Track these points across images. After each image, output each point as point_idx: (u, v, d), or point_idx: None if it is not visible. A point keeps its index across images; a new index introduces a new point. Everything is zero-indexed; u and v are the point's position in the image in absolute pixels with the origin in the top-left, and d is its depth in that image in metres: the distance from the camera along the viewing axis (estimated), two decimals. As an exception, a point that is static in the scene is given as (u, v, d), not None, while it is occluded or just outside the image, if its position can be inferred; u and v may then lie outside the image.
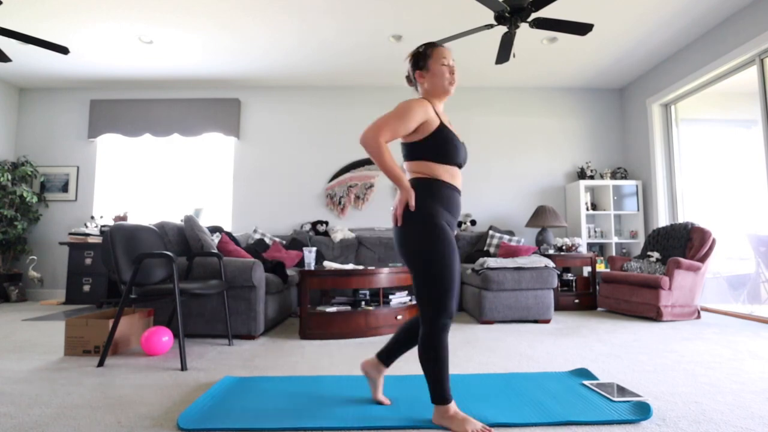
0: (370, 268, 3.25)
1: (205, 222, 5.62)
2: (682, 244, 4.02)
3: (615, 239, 5.27)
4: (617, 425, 1.52)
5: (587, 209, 5.37)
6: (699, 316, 3.82)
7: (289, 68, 5.18)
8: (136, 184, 5.69)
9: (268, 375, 2.15)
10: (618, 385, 1.93)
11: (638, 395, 1.79)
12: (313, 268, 3.28)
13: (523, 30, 4.29)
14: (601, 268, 5.06)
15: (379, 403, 1.74)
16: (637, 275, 3.94)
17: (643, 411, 1.61)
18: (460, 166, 1.65)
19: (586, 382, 1.97)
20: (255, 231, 5.00)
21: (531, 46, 4.62)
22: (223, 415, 1.60)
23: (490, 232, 4.95)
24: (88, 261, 4.96)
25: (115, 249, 2.41)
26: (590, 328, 3.38)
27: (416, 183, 1.58)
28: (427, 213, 1.53)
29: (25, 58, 4.87)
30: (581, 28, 3.35)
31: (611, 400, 1.74)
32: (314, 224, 5.31)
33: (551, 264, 3.68)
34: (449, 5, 3.84)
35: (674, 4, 3.82)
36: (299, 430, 1.49)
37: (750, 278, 4.22)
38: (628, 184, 5.32)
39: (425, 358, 1.51)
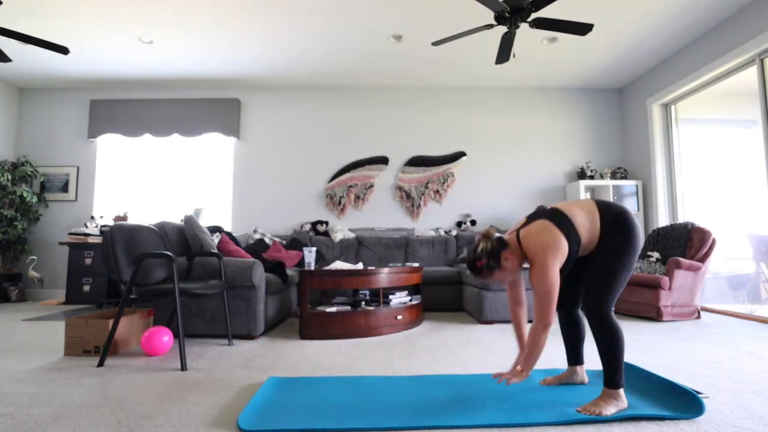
0: (370, 268, 3.25)
1: (205, 222, 5.62)
2: (682, 244, 4.02)
3: (615, 239, 5.26)
4: (666, 421, 1.52)
5: (587, 209, 5.36)
6: (699, 316, 3.82)
7: (289, 68, 5.18)
8: (136, 184, 5.69)
9: (319, 375, 2.15)
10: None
11: (695, 391, 1.80)
12: (313, 268, 3.28)
13: (523, 30, 4.29)
14: (601, 268, 5.05)
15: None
16: (637, 275, 3.93)
17: (696, 407, 1.60)
18: None
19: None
20: (255, 231, 5.00)
21: (531, 46, 4.62)
22: (282, 416, 1.58)
23: (490, 232, 4.95)
24: (88, 261, 4.96)
25: (115, 249, 2.41)
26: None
27: None
28: None
29: (25, 58, 4.87)
30: (581, 28, 3.35)
31: (658, 396, 1.74)
32: (314, 224, 5.32)
33: (551, 264, 3.67)
34: (449, 5, 3.84)
35: (674, 4, 3.82)
36: (364, 430, 1.48)
37: (750, 278, 4.22)
38: (628, 184, 5.32)
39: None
